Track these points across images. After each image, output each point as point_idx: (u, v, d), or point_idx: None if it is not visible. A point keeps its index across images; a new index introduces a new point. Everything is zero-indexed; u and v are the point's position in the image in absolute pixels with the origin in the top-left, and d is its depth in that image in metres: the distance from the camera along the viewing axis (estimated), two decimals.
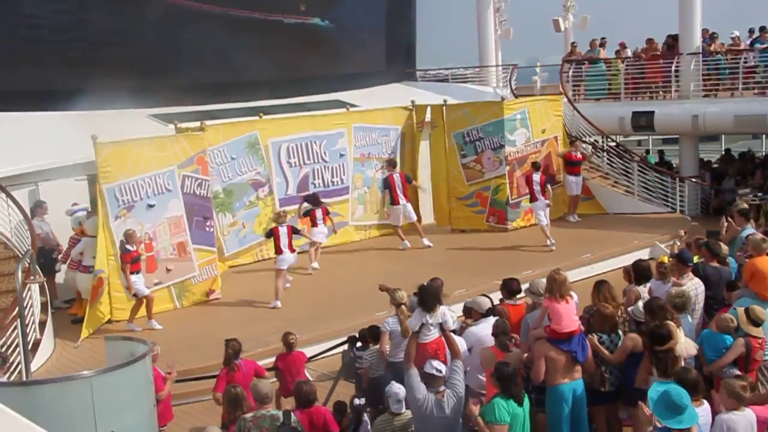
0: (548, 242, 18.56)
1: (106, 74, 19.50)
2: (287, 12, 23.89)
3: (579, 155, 21.54)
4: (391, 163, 20.06)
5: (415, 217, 19.78)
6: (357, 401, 9.87)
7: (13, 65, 18.50)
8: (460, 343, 9.23)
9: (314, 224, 17.60)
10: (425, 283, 9.07)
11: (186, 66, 21.53)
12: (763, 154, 27.78)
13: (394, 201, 19.24)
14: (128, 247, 14.48)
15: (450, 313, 8.77)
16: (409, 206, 19.46)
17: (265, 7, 23.30)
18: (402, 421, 8.10)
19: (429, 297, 8.51)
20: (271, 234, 15.86)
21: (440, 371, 7.86)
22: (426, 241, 19.32)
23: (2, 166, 15.41)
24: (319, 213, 17.66)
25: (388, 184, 19.49)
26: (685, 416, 6.76)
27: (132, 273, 14.48)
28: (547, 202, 18.84)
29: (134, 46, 20.55)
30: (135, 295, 14.61)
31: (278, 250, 15.63)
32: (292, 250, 15.84)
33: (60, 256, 15.96)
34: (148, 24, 20.70)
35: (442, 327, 8.55)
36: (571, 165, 21.14)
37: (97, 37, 20.01)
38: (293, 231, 16.08)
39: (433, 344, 8.47)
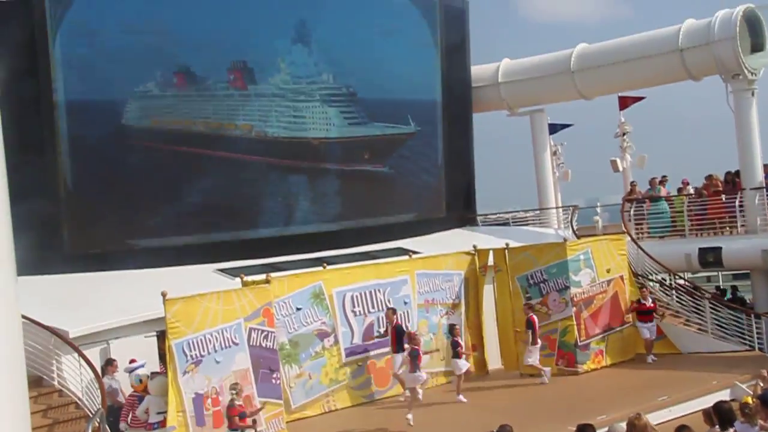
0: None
1: (174, 232, 20.08)
2: (351, 161, 24.40)
3: (650, 303, 21.25)
4: None
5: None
6: None
7: (81, 228, 19.07)
8: None
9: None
10: None
11: (251, 219, 21.97)
12: None
13: None
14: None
15: None
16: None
17: (329, 158, 23.84)
18: None
19: None
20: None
21: None
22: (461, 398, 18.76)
23: (75, 326, 15.65)
24: None
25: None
26: None
27: None
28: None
29: (200, 201, 21.12)
30: None
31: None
32: None
33: (121, 415, 15.91)
34: (213, 177, 21.30)
35: None
36: (642, 314, 20.94)
37: (163, 193, 20.65)
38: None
39: None
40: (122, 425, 15.51)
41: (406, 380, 17.17)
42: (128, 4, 20.16)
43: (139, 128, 20.63)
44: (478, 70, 28.13)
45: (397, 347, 17.90)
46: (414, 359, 16.81)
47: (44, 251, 17.89)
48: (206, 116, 21.66)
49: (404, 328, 18.39)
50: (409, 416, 16.61)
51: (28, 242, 17.11)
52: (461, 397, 18.31)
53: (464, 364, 18.83)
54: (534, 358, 19.54)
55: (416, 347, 17.08)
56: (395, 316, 18.60)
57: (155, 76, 20.74)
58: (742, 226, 24.47)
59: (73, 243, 19.04)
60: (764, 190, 24.27)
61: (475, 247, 22.09)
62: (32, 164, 17.94)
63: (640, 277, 23.46)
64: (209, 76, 21.69)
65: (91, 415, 13.99)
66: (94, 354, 15.72)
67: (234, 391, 15.13)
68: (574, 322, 20.70)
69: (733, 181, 25.71)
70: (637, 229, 25.88)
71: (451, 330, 19.66)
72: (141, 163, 20.35)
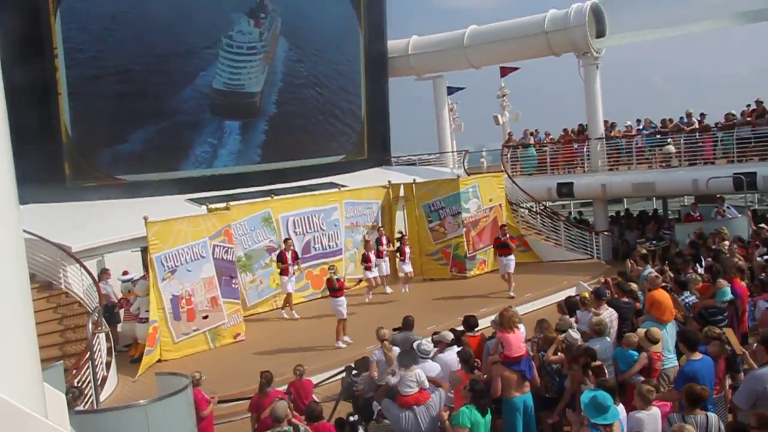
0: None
1: (153, 169, 19.79)
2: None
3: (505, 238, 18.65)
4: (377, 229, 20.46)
5: (388, 272, 19.62)
6: (352, 418, 9.79)
7: (79, 166, 18.67)
8: (434, 368, 9.19)
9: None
10: (408, 348, 8.97)
11: (213, 159, 21.78)
12: (653, 210, 28.07)
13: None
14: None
15: (423, 374, 8.43)
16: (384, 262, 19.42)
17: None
18: (387, 426, 8.08)
19: (408, 357, 8.41)
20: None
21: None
22: (388, 289, 19.27)
23: (76, 243, 15.50)
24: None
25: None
26: (609, 414, 6.80)
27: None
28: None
29: (172, 144, 20.85)
30: None
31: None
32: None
33: (123, 312, 15.97)
34: (180, 124, 21.04)
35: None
36: (502, 248, 18.39)
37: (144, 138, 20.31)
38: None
39: (411, 398, 7.98)
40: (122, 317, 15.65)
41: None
42: None
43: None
44: (393, 44, 27.83)
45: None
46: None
47: (50, 184, 17.65)
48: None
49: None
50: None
51: (38, 177, 16.97)
52: (406, 288, 18.84)
53: (409, 267, 19.20)
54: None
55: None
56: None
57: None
58: (588, 166, 24.95)
59: (73, 178, 18.60)
60: (604, 140, 24.78)
61: (389, 182, 22.17)
62: (40, 115, 17.61)
63: (513, 205, 23.82)
64: None
65: (90, 311, 13.91)
66: (91, 264, 15.57)
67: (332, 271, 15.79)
68: (464, 239, 21.02)
69: (581, 132, 26.18)
70: (512, 168, 26.14)
71: (401, 239, 19.75)
72: (128, 114, 19.77)
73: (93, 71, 18.81)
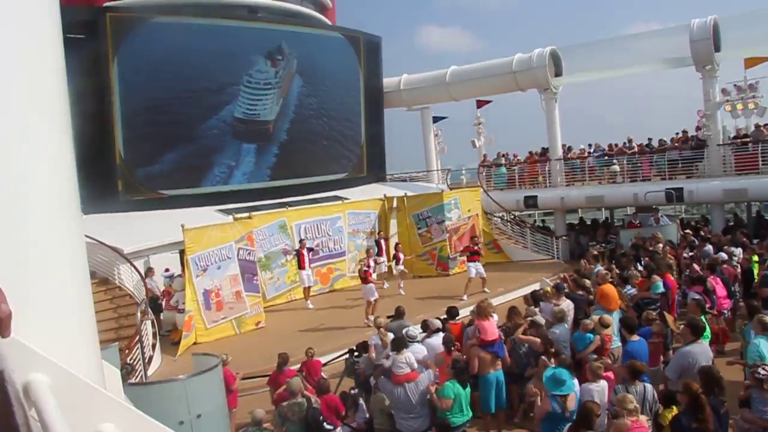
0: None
1: (188, 185, 19.88)
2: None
3: (477, 247, 18.30)
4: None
5: (386, 269, 19.59)
6: (354, 391, 9.88)
7: (129, 183, 18.76)
8: (421, 350, 9.29)
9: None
10: (400, 332, 9.03)
11: (239, 175, 21.85)
12: (603, 218, 28.20)
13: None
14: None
15: (413, 356, 8.50)
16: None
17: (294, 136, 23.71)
18: (382, 398, 8.19)
19: (398, 342, 8.47)
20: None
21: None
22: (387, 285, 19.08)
23: (127, 246, 15.63)
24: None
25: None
26: (565, 387, 6.93)
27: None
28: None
29: (203, 164, 20.89)
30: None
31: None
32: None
33: (165, 303, 16.03)
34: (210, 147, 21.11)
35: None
36: (472, 255, 17.96)
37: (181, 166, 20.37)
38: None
39: (403, 377, 8.03)
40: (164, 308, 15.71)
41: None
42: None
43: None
44: (388, 81, 27.96)
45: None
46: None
47: (106, 198, 17.82)
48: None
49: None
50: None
51: (97, 192, 17.13)
52: (402, 289, 18.52)
53: (402, 267, 18.99)
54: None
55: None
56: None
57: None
58: (550, 183, 25.07)
59: (124, 193, 18.71)
60: (562, 161, 24.92)
61: (385, 195, 22.27)
62: (99, 141, 17.91)
63: (488, 214, 23.91)
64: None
65: (138, 303, 14.01)
66: (139, 264, 15.68)
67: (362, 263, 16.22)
68: (447, 243, 21.06)
69: (543, 154, 26.35)
70: (487, 184, 26.26)
71: (396, 247, 19.61)
72: (166, 139, 19.93)
73: (142, 104, 18.98)
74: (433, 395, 7.82)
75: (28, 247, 1.33)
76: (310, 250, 17.98)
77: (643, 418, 6.13)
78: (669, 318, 9.54)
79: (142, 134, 19.01)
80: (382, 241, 19.60)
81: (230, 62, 21.11)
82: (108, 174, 18.34)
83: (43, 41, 1.48)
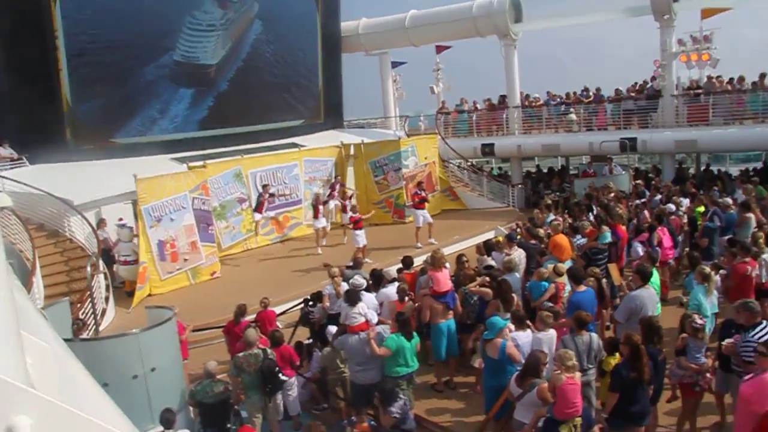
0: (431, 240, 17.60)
1: (142, 133, 19.40)
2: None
3: (424, 194, 17.97)
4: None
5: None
6: (308, 341, 10.06)
7: (78, 131, 18.23)
8: (371, 299, 9.45)
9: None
10: (349, 288, 9.12)
11: (192, 123, 21.30)
12: (559, 167, 28.63)
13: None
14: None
15: (369, 310, 8.62)
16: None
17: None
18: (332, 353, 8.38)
19: (352, 295, 8.53)
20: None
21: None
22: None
23: (78, 197, 15.27)
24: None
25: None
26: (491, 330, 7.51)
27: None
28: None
29: (157, 111, 20.35)
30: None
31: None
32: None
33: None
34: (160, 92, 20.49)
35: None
36: (420, 203, 17.72)
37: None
38: None
39: (357, 327, 8.18)
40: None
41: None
42: None
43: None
44: (346, 25, 27.41)
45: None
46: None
47: (55, 148, 17.20)
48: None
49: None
50: (319, 249, 17.48)
51: (44, 142, 16.57)
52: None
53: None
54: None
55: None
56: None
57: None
58: (507, 130, 25.24)
59: (74, 141, 18.11)
60: (520, 108, 25.06)
61: (342, 142, 22.10)
62: (44, 89, 17.19)
63: (445, 162, 24.06)
64: None
65: (90, 254, 13.81)
66: (91, 215, 15.38)
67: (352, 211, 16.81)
68: (404, 191, 21.10)
69: (502, 102, 26.41)
70: (445, 130, 26.34)
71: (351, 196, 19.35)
72: (119, 86, 19.22)
73: (87, 49, 18.15)
74: (371, 341, 7.93)
75: None
76: (271, 195, 17.94)
77: (578, 375, 6.44)
78: (614, 271, 9.86)
79: (90, 80, 18.26)
80: (337, 186, 19.43)
81: (177, 3, 20.25)
82: (55, 121, 17.64)
83: None
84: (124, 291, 15.16)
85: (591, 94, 24.19)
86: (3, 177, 14.23)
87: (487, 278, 9.76)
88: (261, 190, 18.08)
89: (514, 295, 8.94)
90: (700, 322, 7.32)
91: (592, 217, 13.82)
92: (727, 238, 11.81)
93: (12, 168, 15.71)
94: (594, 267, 9.88)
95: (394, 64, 29.13)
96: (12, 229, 12.98)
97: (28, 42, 16.31)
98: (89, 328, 10.58)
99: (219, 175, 17.91)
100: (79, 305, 11.11)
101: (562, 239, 11.17)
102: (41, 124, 17.05)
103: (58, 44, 17.31)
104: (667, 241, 12.18)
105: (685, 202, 15.28)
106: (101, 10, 18.16)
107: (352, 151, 21.99)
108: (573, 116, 23.37)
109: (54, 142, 17.33)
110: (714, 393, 7.67)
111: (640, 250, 11.46)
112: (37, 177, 15.10)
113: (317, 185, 20.79)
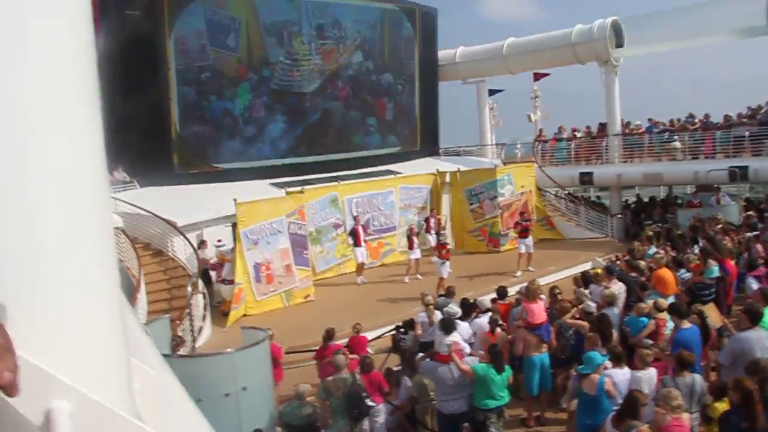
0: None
1: (243, 159, 20.16)
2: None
3: (526, 223, 18.10)
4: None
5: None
6: (398, 368, 9.99)
7: (184, 156, 19.19)
8: (465, 328, 9.31)
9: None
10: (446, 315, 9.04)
11: (291, 150, 21.93)
12: (661, 197, 27.43)
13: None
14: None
15: (462, 342, 8.53)
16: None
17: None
18: (425, 377, 8.26)
19: (447, 324, 8.44)
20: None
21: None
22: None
23: (181, 219, 15.94)
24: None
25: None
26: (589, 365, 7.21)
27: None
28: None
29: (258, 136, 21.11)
30: None
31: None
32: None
33: (215, 274, 16.36)
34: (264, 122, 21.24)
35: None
36: (522, 231, 17.89)
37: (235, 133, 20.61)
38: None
39: (447, 357, 7.92)
40: (214, 279, 16.05)
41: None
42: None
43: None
44: (443, 54, 27.59)
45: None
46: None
47: (162, 172, 18.17)
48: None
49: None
50: (406, 278, 17.43)
51: (153, 166, 17.53)
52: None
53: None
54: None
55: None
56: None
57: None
58: (606, 158, 24.46)
59: (180, 166, 19.10)
60: (620, 136, 24.24)
61: (437, 170, 22.04)
62: (155, 117, 18.23)
63: (542, 190, 23.56)
64: None
65: (191, 274, 14.40)
66: (192, 237, 15.98)
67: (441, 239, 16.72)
68: (499, 219, 20.88)
69: (601, 129, 25.65)
70: (542, 159, 25.85)
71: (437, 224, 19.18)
72: (222, 114, 20.15)
73: (195, 77, 19.17)
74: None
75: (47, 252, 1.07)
76: (365, 229, 18.14)
77: (685, 416, 6.01)
78: (712, 312, 9.18)
79: (195, 105, 19.28)
80: (433, 220, 19.28)
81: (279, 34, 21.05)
82: (164, 146, 18.70)
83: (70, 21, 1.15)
84: (220, 311, 15.54)
85: (697, 120, 23.06)
86: (115, 198, 15.13)
87: (578, 311, 9.43)
88: (353, 222, 18.22)
89: (613, 330, 8.56)
90: None
91: (697, 250, 13.11)
92: None
93: (124, 190, 16.68)
94: (698, 303, 9.29)
95: (491, 92, 29.03)
96: (121, 248, 13.72)
97: (142, 71, 17.37)
98: (186, 344, 10.99)
99: (315, 201, 18.22)
100: (178, 322, 11.51)
101: (666, 273, 10.63)
102: (152, 149, 18.02)
103: (170, 74, 18.39)
104: None
105: None
106: (208, 41, 19.21)
107: (447, 179, 21.89)
108: (677, 144, 22.35)
109: (162, 167, 18.32)
110: None
111: (754, 286, 10.70)
112: (145, 199, 15.95)
113: (412, 212, 20.83)
